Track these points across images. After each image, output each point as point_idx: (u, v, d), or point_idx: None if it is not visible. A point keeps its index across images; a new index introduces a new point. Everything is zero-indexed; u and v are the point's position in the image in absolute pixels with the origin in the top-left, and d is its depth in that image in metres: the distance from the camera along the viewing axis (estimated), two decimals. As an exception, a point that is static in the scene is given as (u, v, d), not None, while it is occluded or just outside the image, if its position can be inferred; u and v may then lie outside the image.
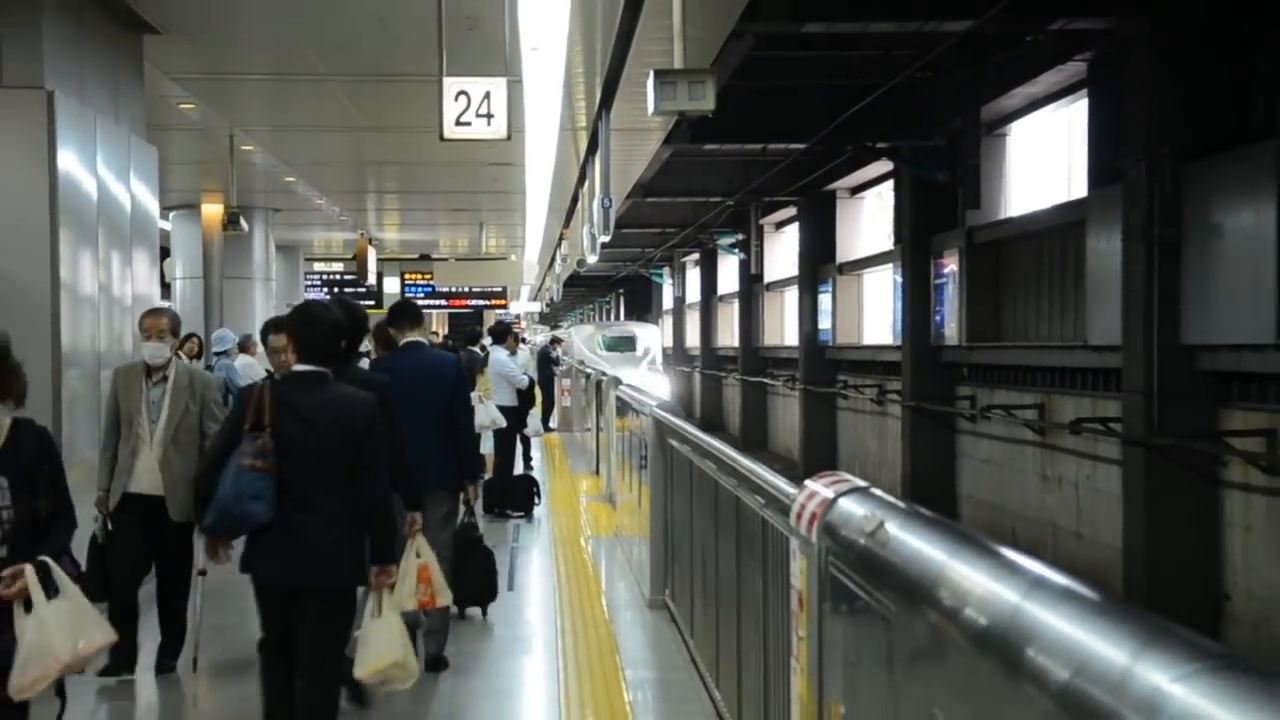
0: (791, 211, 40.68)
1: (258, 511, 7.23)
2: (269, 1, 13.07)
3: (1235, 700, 2.06)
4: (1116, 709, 2.32)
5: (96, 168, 11.98)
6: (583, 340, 57.51)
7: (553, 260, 53.46)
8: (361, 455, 7.33)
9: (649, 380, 43.17)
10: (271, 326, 8.62)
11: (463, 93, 12.08)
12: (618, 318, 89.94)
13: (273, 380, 7.87)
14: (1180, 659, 2.27)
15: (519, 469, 20.62)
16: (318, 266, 40.11)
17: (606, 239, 19.83)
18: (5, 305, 10.44)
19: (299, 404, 7.33)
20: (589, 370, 33.06)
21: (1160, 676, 2.24)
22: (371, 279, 37.93)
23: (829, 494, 5.03)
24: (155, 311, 9.13)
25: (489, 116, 12.35)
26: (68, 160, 11.32)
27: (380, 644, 7.62)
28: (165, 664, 9.60)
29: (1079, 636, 2.64)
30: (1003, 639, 2.96)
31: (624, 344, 56.25)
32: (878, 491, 4.78)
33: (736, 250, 46.75)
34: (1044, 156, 25.69)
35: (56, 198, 11.14)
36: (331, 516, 7.30)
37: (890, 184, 31.51)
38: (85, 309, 11.54)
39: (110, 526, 9.15)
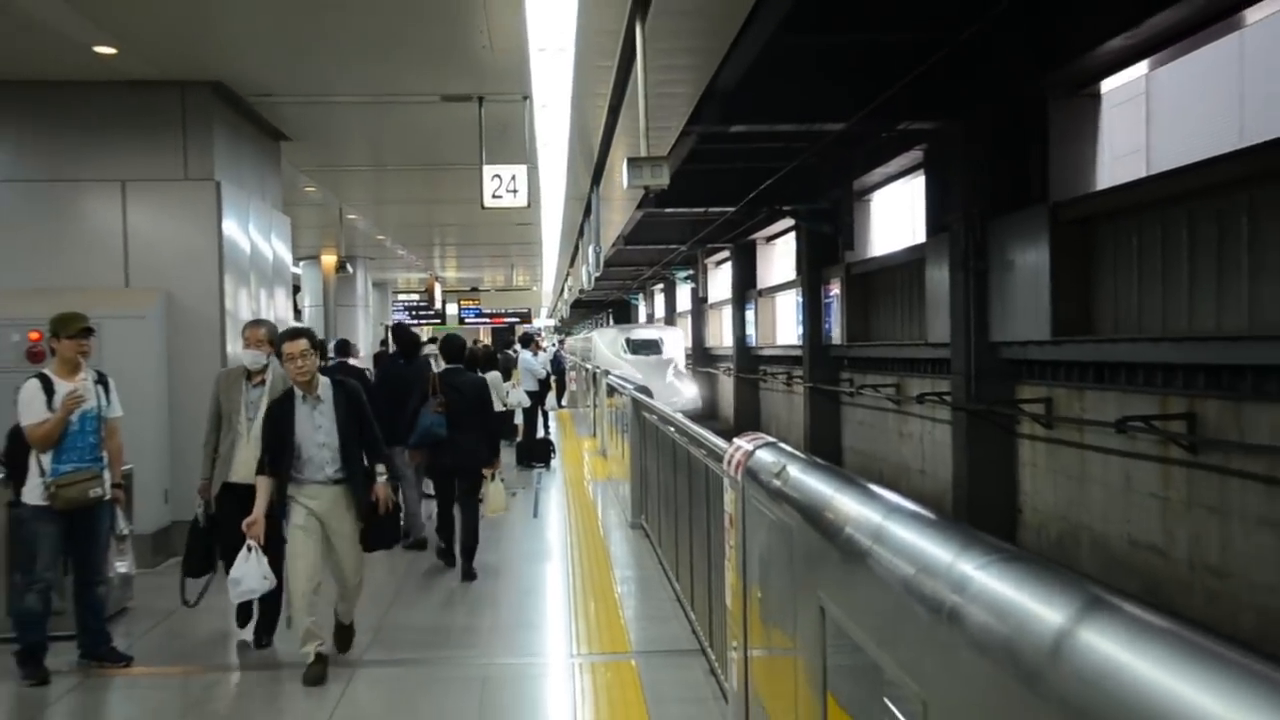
0: (726, 253, 40.60)
1: (441, 433, 10.66)
2: (363, 120, 13.12)
3: (1017, 580, 2.15)
4: (942, 589, 2.36)
5: (249, 232, 12.00)
6: (606, 345, 43.14)
7: (562, 289, 48.04)
8: (482, 408, 10.96)
9: (678, 388, 38.32)
10: (286, 336, 7.68)
11: (496, 175, 12.25)
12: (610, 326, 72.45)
13: (441, 371, 11.10)
14: (984, 553, 2.32)
15: (540, 434, 20.63)
16: (400, 297, 39.97)
17: (598, 274, 20.01)
18: (189, 327, 10.96)
19: (452, 381, 10.91)
20: (591, 367, 30.52)
21: (969, 565, 2.28)
22: (438, 305, 38.04)
23: (749, 448, 5.05)
24: (255, 323, 8.56)
25: (514, 192, 12.53)
26: (229, 227, 11.34)
27: (495, 498, 11.14)
28: (264, 639, 8.23)
29: (921, 543, 2.68)
30: (869, 546, 2.97)
31: (648, 347, 43.25)
32: (783, 445, 4.78)
33: (690, 280, 46.47)
34: (896, 214, 25.81)
35: (222, 253, 11.16)
36: (472, 436, 10.76)
37: (793, 234, 31.57)
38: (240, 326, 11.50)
39: (212, 510, 8.34)
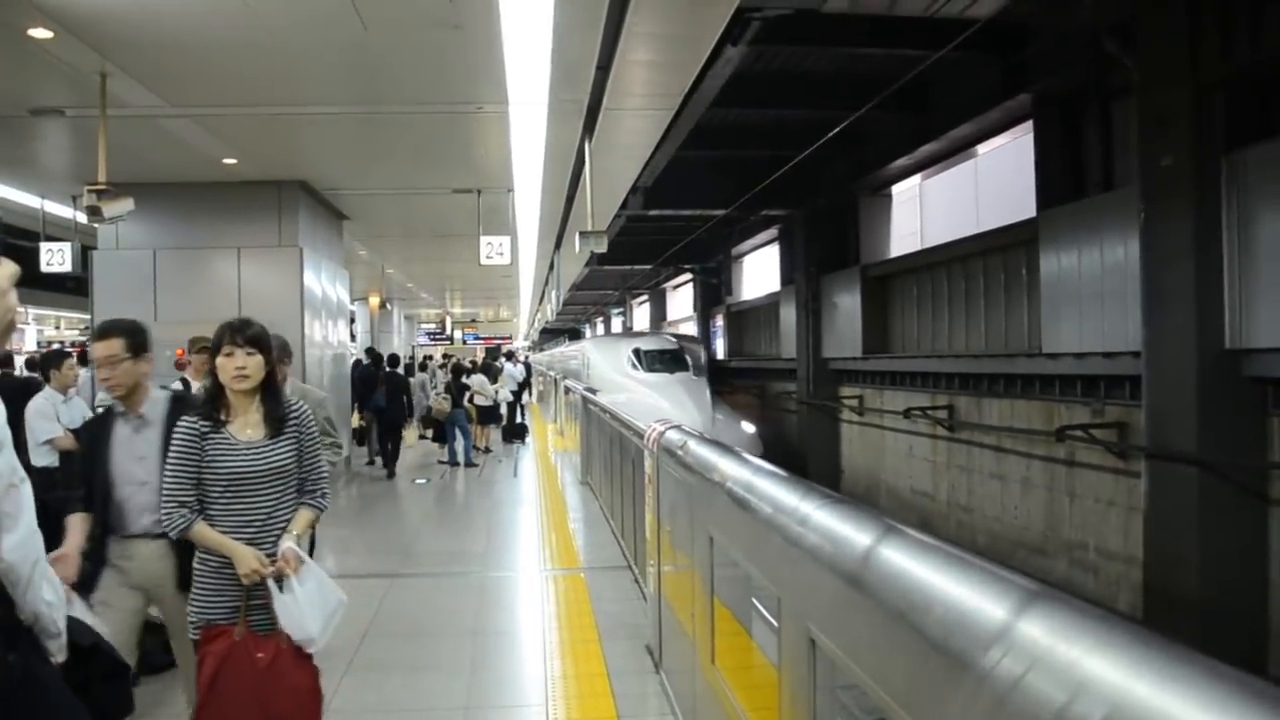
0: (646, 296, 40.12)
1: (383, 404, 11.41)
2: (397, 205, 13.05)
3: (840, 515, 2.17)
4: (791, 522, 2.38)
5: (320, 282, 11.89)
6: (606, 360, 21.93)
7: (534, 320, 42.81)
8: (402, 393, 11.24)
9: (731, 428, 18.39)
10: (95, 335, 4.02)
11: (489, 243, 12.13)
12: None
13: (385, 373, 10.94)
14: (818, 498, 2.34)
15: (519, 420, 20.47)
16: (423, 325, 39.45)
17: (558, 310, 20.16)
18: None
19: (389, 379, 11.46)
20: (577, 388, 15.67)
21: (809, 506, 2.31)
22: (448, 331, 37.60)
23: (662, 429, 5.05)
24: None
25: (501, 254, 12.41)
26: (308, 279, 11.26)
27: (409, 438, 11.16)
28: None
29: (776, 492, 2.69)
30: (744, 496, 2.98)
31: (668, 362, 21.38)
32: (685, 428, 4.78)
33: (620, 315, 45.42)
34: (762, 271, 25.80)
35: (303, 298, 11.08)
36: (397, 406, 10.96)
37: (691, 284, 31.61)
38: (315, 350, 11.43)
39: None
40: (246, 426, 3.44)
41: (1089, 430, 10.81)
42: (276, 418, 3.47)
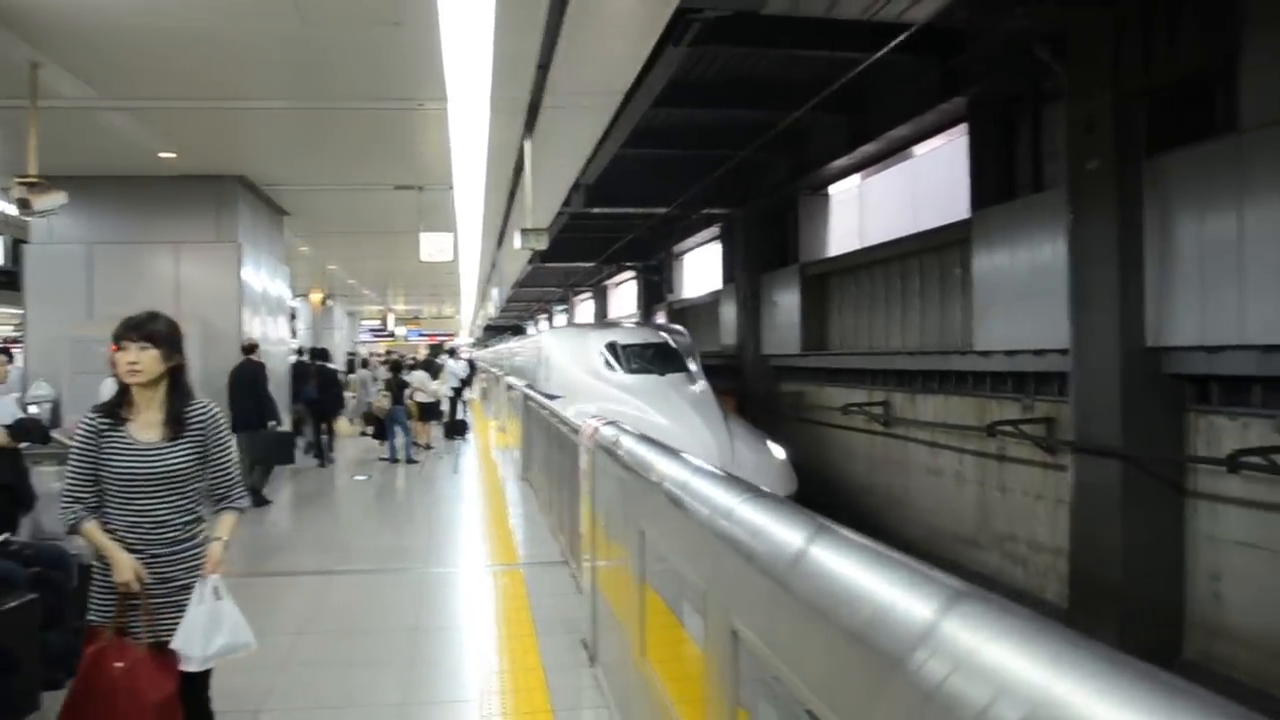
0: (589, 294, 39.92)
1: (315, 395, 11.17)
2: (339, 202, 12.86)
3: (767, 512, 2.13)
4: (718, 518, 2.35)
5: (260, 278, 11.71)
6: (572, 357, 15.76)
7: (477, 317, 42.24)
8: (334, 385, 10.76)
9: (757, 454, 12.67)
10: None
11: (430, 240, 12.00)
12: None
13: (316, 366, 10.44)
14: (744, 494, 2.32)
15: (459, 417, 20.24)
16: (365, 322, 38.92)
17: (500, 307, 19.90)
18: (217, 343, 10.47)
19: (321, 372, 11.04)
20: (529, 391, 12.37)
21: (734, 500, 2.29)
22: (390, 327, 37.14)
23: (597, 425, 5.01)
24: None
25: (442, 250, 12.26)
26: (246, 274, 11.07)
27: (343, 428, 10.87)
28: None
29: (708, 489, 2.65)
30: (674, 491, 2.95)
31: (654, 359, 15.03)
32: (620, 424, 4.75)
33: (565, 312, 44.91)
34: (703, 269, 25.89)
35: (241, 294, 10.91)
36: (331, 397, 10.90)
37: (634, 281, 31.60)
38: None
39: None
40: (147, 426, 3.29)
41: (1019, 425, 10.98)
42: (176, 419, 3.30)
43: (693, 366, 15.18)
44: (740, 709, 2.21)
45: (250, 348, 10.84)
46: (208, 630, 3.19)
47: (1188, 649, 8.93)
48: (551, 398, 11.55)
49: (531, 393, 11.88)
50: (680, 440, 9.96)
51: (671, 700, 3.07)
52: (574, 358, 15.68)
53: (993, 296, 11.57)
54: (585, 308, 42.61)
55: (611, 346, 15.28)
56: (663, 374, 14.60)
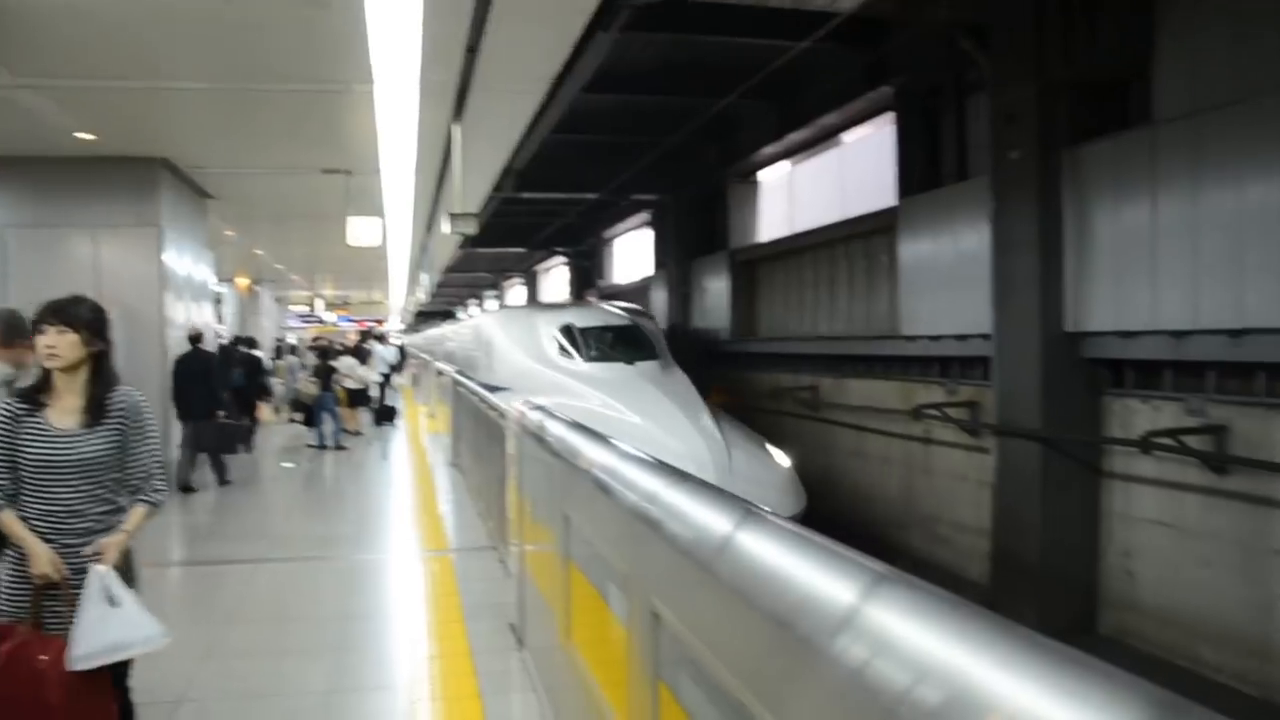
0: (521, 279, 39.76)
1: (241, 382, 10.44)
2: (266, 186, 12.52)
3: (695, 497, 2.12)
4: (644, 503, 2.34)
5: (182, 263, 11.39)
6: (519, 342, 13.51)
7: (408, 303, 41.37)
8: (259, 372, 10.22)
9: (758, 466, 10.12)
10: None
11: (358, 224, 11.82)
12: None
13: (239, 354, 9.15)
14: (670, 480, 2.31)
15: (388, 403, 19.98)
16: (293, 308, 38.23)
17: (430, 294, 19.66)
18: (140, 329, 10.20)
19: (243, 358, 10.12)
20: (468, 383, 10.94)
21: (657, 484, 2.28)
22: (319, 313, 36.56)
23: (524, 409, 4.99)
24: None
25: (370, 235, 12.09)
26: (168, 258, 10.75)
27: (266, 414, 10.64)
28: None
29: (634, 474, 2.64)
30: (601, 477, 2.94)
31: (623, 346, 12.80)
32: (546, 409, 4.72)
33: (496, 298, 44.75)
34: (633, 255, 25.86)
35: (163, 279, 10.61)
36: (257, 385, 10.71)
37: (565, 266, 31.42)
38: (176, 330, 10.92)
39: None
40: (66, 412, 3.18)
41: (943, 409, 11.16)
42: (96, 406, 3.19)
43: (663, 353, 13.11)
44: (662, 683, 2.22)
45: (197, 337, 10.76)
46: (93, 628, 3.04)
47: (1102, 624, 9.19)
48: (495, 391, 9.41)
49: (458, 376, 11.69)
50: (664, 446, 8.90)
51: (597, 682, 3.07)
52: (522, 343, 13.49)
53: (918, 282, 11.73)
54: (516, 293, 42.30)
55: (567, 330, 13.07)
56: (631, 362, 12.42)
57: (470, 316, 26.36)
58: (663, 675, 2.20)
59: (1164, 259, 8.20)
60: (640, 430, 9.73)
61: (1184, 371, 8.35)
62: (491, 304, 44.25)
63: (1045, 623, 8.78)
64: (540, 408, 4.71)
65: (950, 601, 1.22)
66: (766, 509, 1.81)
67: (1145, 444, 8.24)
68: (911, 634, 1.18)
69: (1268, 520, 7.50)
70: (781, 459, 10.56)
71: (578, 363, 12.51)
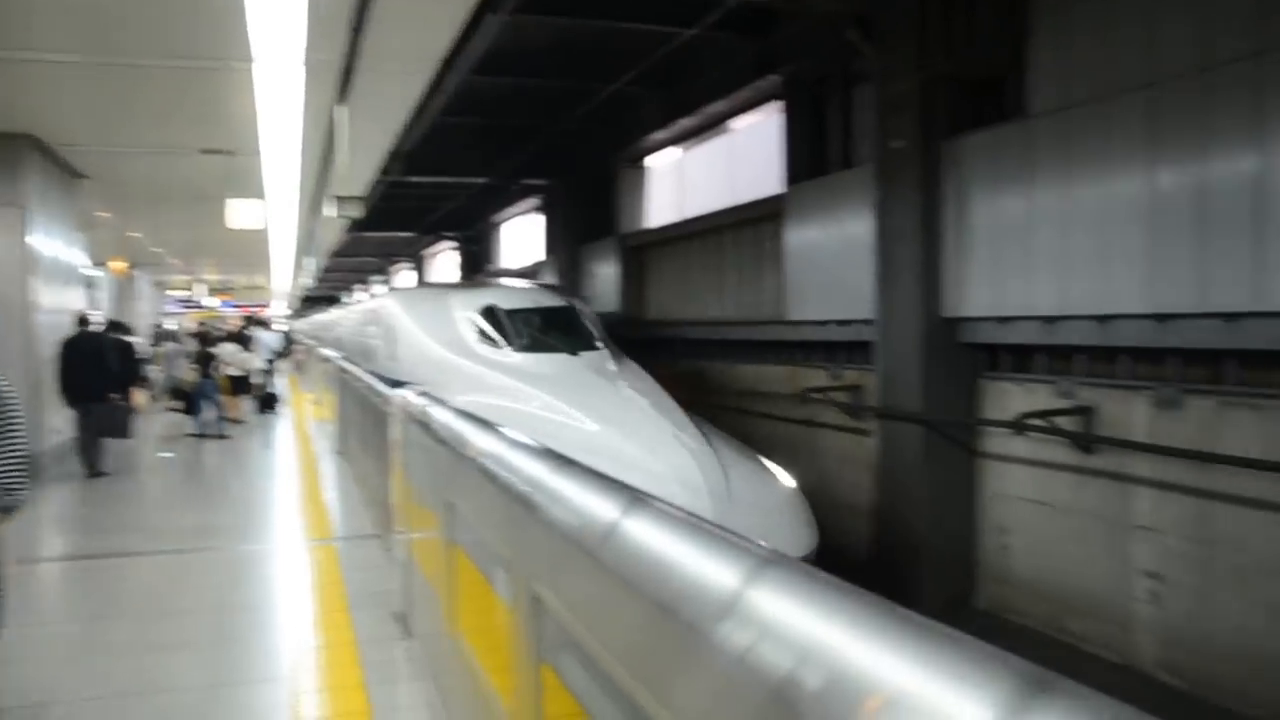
0: (410, 264, 39.19)
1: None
2: (143, 166, 12.02)
3: (580, 483, 2.10)
4: (531, 490, 2.32)
5: (50, 245, 10.89)
6: (429, 328, 11.21)
7: (294, 288, 38.33)
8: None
9: (756, 495, 7.64)
10: None
11: (238, 206, 11.46)
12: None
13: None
14: (556, 465, 2.29)
15: (271, 390, 19.37)
16: (173, 293, 36.70)
17: (316, 279, 19.19)
18: (2, 314, 9.84)
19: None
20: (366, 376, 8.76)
21: (542, 468, 2.26)
22: (200, 299, 35.32)
23: (408, 395, 4.92)
24: None
25: (251, 218, 11.73)
26: (33, 240, 10.25)
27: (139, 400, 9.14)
28: None
29: (520, 461, 2.61)
30: (482, 462, 2.90)
31: (557, 332, 10.50)
32: (430, 395, 4.66)
33: (385, 282, 43.68)
34: (523, 240, 25.65)
35: (29, 260, 10.15)
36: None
37: (454, 251, 31.04)
38: (45, 317, 10.44)
39: None
40: None
41: (828, 392, 11.37)
42: None
43: (604, 341, 10.86)
44: (549, 667, 2.21)
45: (84, 320, 10.51)
46: None
47: (980, 598, 9.52)
48: (400, 386, 6.27)
49: (343, 364, 11.36)
50: (634, 463, 7.06)
51: (482, 668, 3.05)
52: (432, 329, 11.32)
53: (804, 269, 11.91)
54: (405, 278, 41.56)
55: (489, 312, 10.88)
56: (574, 352, 10.26)
57: (358, 302, 24.55)
58: (548, 660, 2.18)
59: (1037, 248, 8.50)
60: (600, 441, 7.74)
61: (1056, 355, 8.68)
62: (380, 288, 43.28)
63: (927, 600, 9.06)
64: (425, 393, 4.64)
65: (833, 585, 1.22)
66: (651, 498, 1.78)
67: (1019, 425, 8.55)
68: (794, 618, 1.18)
69: (1129, 497, 7.86)
70: (785, 478, 8.41)
71: (507, 353, 10.37)
